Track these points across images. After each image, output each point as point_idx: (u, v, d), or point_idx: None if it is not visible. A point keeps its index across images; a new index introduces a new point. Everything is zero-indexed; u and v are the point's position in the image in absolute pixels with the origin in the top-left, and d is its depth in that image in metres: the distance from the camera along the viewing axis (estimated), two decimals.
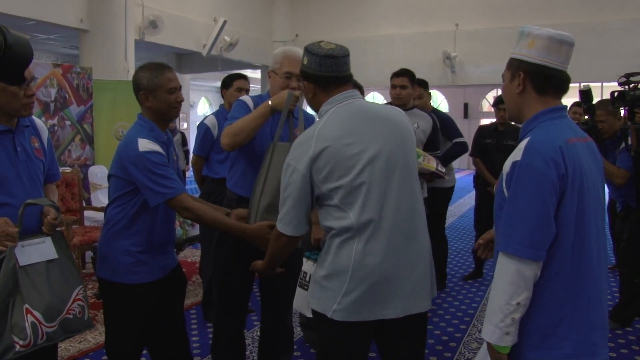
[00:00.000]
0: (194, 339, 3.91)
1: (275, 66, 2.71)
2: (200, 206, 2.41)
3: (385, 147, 1.97)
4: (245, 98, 2.78)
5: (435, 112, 4.73)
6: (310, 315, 2.84)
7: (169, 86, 2.38)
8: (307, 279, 3.32)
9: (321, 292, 2.01)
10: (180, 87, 2.45)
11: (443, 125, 4.59)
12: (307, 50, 2.06)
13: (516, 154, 1.68)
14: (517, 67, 1.78)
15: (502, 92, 1.90)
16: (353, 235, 1.94)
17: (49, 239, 2.23)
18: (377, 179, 1.94)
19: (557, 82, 1.77)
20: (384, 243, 1.93)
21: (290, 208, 2.00)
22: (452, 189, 4.98)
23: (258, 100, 2.77)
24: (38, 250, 2.17)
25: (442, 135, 4.56)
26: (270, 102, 2.55)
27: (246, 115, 2.65)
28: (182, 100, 2.47)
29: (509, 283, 1.64)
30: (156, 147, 2.32)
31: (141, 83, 2.38)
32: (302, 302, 3.39)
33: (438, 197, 4.58)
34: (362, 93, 2.14)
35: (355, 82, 3.87)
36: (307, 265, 3.16)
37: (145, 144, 2.30)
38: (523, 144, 1.68)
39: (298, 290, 2.95)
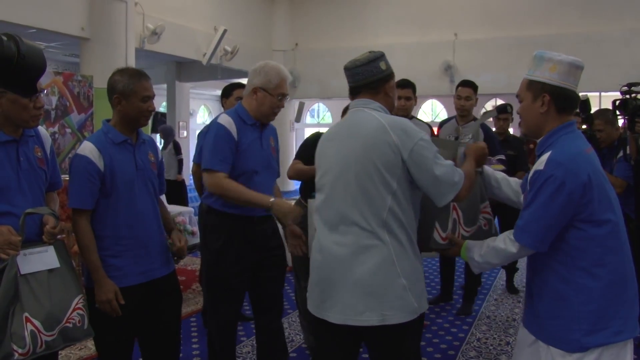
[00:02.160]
0: (194, 346, 3.91)
1: (269, 85, 2.73)
2: (83, 232, 2.41)
3: (343, 159, 2.12)
4: (226, 123, 2.73)
5: (480, 125, 4.60)
6: None
7: (144, 94, 2.44)
8: None
9: None
10: (153, 96, 2.50)
11: (484, 139, 4.40)
12: None
13: (539, 164, 1.91)
14: (541, 89, 1.97)
15: (521, 111, 2.06)
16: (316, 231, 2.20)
17: (51, 247, 2.24)
18: (329, 185, 2.14)
19: (574, 102, 2.00)
20: (326, 243, 2.12)
21: None
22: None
23: (236, 118, 2.74)
24: (40, 259, 2.18)
25: None
26: (271, 204, 2.58)
27: (230, 150, 2.68)
28: (154, 109, 2.52)
29: (508, 256, 2.03)
30: (91, 155, 2.38)
31: (116, 87, 2.44)
32: None
33: None
34: None
35: None
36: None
37: (83, 147, 2.41)
38: (545, 157, 1.90)
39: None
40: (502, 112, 5.44)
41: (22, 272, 2.10)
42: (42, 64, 1.12)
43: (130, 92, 2.42)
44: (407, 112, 4.21)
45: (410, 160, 2.01)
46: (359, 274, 2.02)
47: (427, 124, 4.47)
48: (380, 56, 2.17)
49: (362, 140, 2.07)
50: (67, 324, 2.19)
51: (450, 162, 2.09)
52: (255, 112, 2.77)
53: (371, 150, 2.04)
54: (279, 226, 2.95)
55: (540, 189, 1.88)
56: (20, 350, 2.02)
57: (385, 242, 2.02)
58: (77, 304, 2.25)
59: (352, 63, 2.19)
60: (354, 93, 2.21)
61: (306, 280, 3.70)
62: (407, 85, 4.21)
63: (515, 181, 2.31)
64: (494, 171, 2.34)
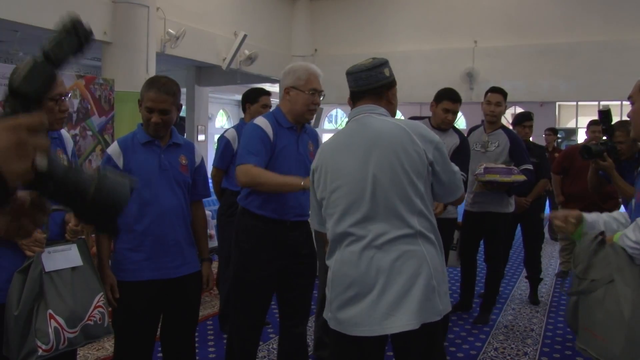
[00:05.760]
0: (210, 349, 3.93)
1: (299, 82, 2.73)
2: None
3: (370, 167, 2.02)
4: (263, 125, 2.74)
5: (507, 133, 4.55)
6: None
7: (147, 105, 2.50)
8: None
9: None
10: (161, 110, 2.47)
11: (512, 147, 4.46)
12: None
13: None
14: None
15: (633, 113, 1.91)
16: (333, 248, 2.08)
17: (74, 246, 2.29)
18: (354, 195, 2.01)
19: None
20: (357, 256, 1.99)
21: (311, 209, 2.29)
22: (512, 214, 4.75)
23: (272, 120, 2.76)
24: (64, 257, 2.23)
25: (509, 157, 4.44)
26: (303, 184, 2.54)
27: (264, 148, 2.67)
28: (157, 122, 2.49)
29: None
30: (112, 152, 2.54)
31: (140, 93, 2.55)
32: None
33: (499, 222, 4.51)
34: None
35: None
36: None
37: (112, 146, 2.58)
38: None
39: None
40: (528, 119, 5.40)
41: (47, 269, 2.14)
42: (121, 201, 0.96)
43: (141, 98, 2.53)
44: (450, 125, 3.95)
45: (435, 158, 2.06)
46: (401, 282, 1.96)
47: (458, 131, 4.10)
48: (385, 62, 2.16)
49: (389, 148, 2.02)
50: (89, 322, 2.23)
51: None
52: (290, 113, 2.77)
53: (401, 156, 2.01)
54: (313, 234, 2.92)
55: None
56: (44, 347, 2.06)
57: (420, 245, 2.01)
58: (98, 301, 2.30)
59: (356, 67, 2.16)
60: (357, 98, 2.16)
61: None
62: (458, 99, 3.94)
63: (616, 215, 2.10)
64: (596, 221, 2.05)
